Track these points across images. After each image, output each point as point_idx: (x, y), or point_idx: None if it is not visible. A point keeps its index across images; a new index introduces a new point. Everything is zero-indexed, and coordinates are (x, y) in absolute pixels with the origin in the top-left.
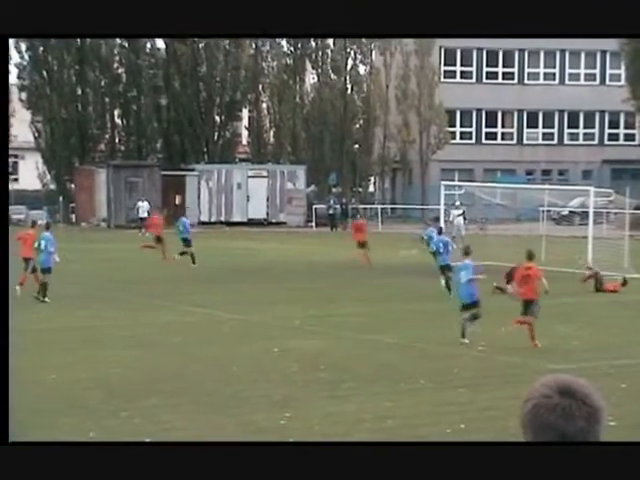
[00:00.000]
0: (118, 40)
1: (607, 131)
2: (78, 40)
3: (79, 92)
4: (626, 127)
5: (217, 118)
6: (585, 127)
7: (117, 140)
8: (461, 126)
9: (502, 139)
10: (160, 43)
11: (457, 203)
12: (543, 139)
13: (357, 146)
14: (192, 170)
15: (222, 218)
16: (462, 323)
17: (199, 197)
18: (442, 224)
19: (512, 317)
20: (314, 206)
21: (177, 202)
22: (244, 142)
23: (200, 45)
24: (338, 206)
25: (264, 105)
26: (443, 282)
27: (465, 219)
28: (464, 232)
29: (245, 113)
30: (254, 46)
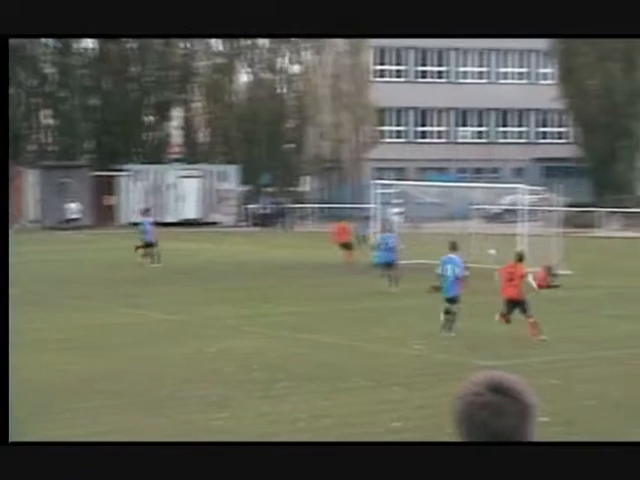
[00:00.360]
0: (51, 40)
1: (539, 129)
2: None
3: (10, 92)
4: (557, 125)
5: (149, 118)
6: (517, 125)
7: (47, 141)
8: (394, 125)
9: (435, 137)
10: (91, 43)
11: (394, 202)
12: (476, 137)
13: (290, 145)
14: (124, 171)
15: (155, 219)
16: (445, 317)
17: (131, 198)
18: (374, 223)
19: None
20: (247, 206)
21: (108, 203)
22: (176, 142)
23: (131, 45)
24: (272, 206)
25: (196, 105)
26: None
27: (402, 218)
28: (401, 231)
29: (177, 113)
30: (186, 45)
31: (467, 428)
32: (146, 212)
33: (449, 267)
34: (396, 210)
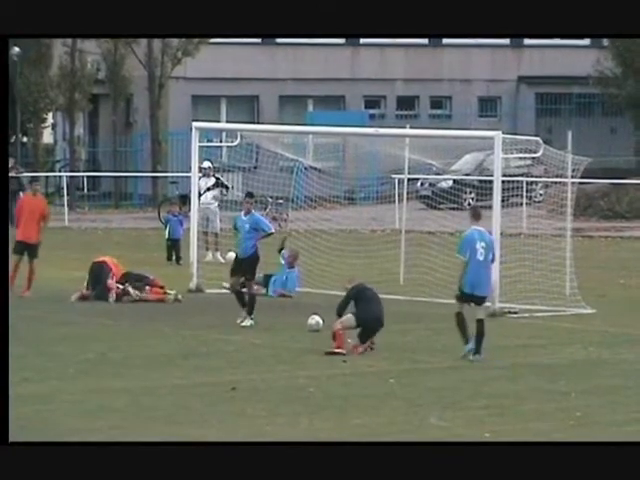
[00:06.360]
0: None
1: None
2: None
3: None
4: None
5: None
6: None
7: None
8: None
9: None
10: None
11: (205, 165)
12: None
13: None
14: None
15: None
16: None
17: None
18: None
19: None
20: None
21: None
22: None
23: None
24: None
25: None
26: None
27: (223, 193)
28: (219, 226)
29: None
30: None
31: None
32: None
33: None
34: (208, 182)
